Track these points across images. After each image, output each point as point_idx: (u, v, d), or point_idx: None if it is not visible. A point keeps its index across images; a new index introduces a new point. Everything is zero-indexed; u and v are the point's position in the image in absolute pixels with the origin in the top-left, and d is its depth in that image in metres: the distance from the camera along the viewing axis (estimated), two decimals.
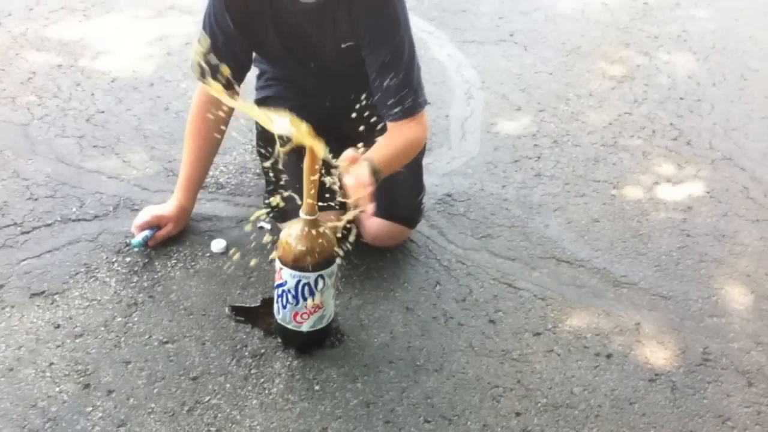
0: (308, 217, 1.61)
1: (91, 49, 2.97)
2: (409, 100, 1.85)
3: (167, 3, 3.37)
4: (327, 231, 1.66)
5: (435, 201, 2.35)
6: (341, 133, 1.85)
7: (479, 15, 3.59)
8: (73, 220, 2.10)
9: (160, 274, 1.95)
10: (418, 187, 2.13)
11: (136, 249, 2.01)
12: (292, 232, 1.64)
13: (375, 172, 1.60)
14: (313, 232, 1.63)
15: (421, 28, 3.42)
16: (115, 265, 1.97)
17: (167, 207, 2.04)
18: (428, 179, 2.30)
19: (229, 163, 2.42)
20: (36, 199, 2.16)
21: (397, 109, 1.85)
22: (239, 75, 1.93)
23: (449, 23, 3.52)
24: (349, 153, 1.58)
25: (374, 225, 2.02)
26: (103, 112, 2.61)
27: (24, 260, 1.95)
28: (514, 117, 2.87)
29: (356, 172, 1.55)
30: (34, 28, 3.08)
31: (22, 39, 3.00)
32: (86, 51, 2.95)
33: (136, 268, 1.96)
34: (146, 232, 2.01)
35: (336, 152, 1.56)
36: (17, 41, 2.98)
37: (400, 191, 2.02)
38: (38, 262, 1.95)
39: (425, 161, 2.19)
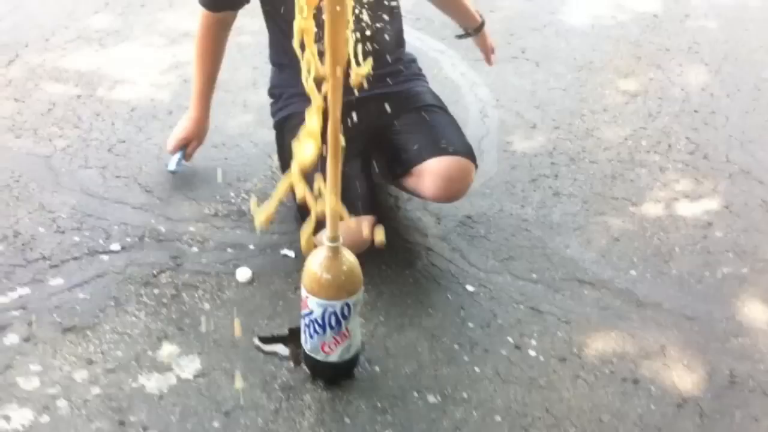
0: (332, 244, 1.63)
1: (109, 79, 3.00)
2: None
3: (180, 30, 3.39)
4: (352, 257, 1.68)
5: (455, 223, 2.36)
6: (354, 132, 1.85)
7: (490, 33, 3.56)
8: (100, 253, 2.13)
9: (188, 306, 1.98)
10: (460, 129, 2.27)
11: (177, 172, 2.40)
12: (317, 260, 1.65)
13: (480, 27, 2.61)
14: (339, 258, 1.65)
15: (432, 47, 3.44)
16: (144, 297, 1.99)
17: (185, 125, 2.37)
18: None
19: (250, 190, 2.44)
20: (63, 232, 2.19)
21: None
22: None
23: (461, 42, 3.51)
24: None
25: (436, 166, 2.06)
26: (124, 141, 2.63)
27: (54, 294, 1.98)
28: (529, 135, 2.88)
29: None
30: (51, 58, 3.12)
31: (40, 70, 3.03)
32: (104, 81, 2.99)
33: (164, 300, 1.99)
34: (177, 155, 2.38)
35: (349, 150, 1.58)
36: (35, 72, 3.01)
37: (448, 131, 2.19)
38: (68, 296, 1.97)
39: None
